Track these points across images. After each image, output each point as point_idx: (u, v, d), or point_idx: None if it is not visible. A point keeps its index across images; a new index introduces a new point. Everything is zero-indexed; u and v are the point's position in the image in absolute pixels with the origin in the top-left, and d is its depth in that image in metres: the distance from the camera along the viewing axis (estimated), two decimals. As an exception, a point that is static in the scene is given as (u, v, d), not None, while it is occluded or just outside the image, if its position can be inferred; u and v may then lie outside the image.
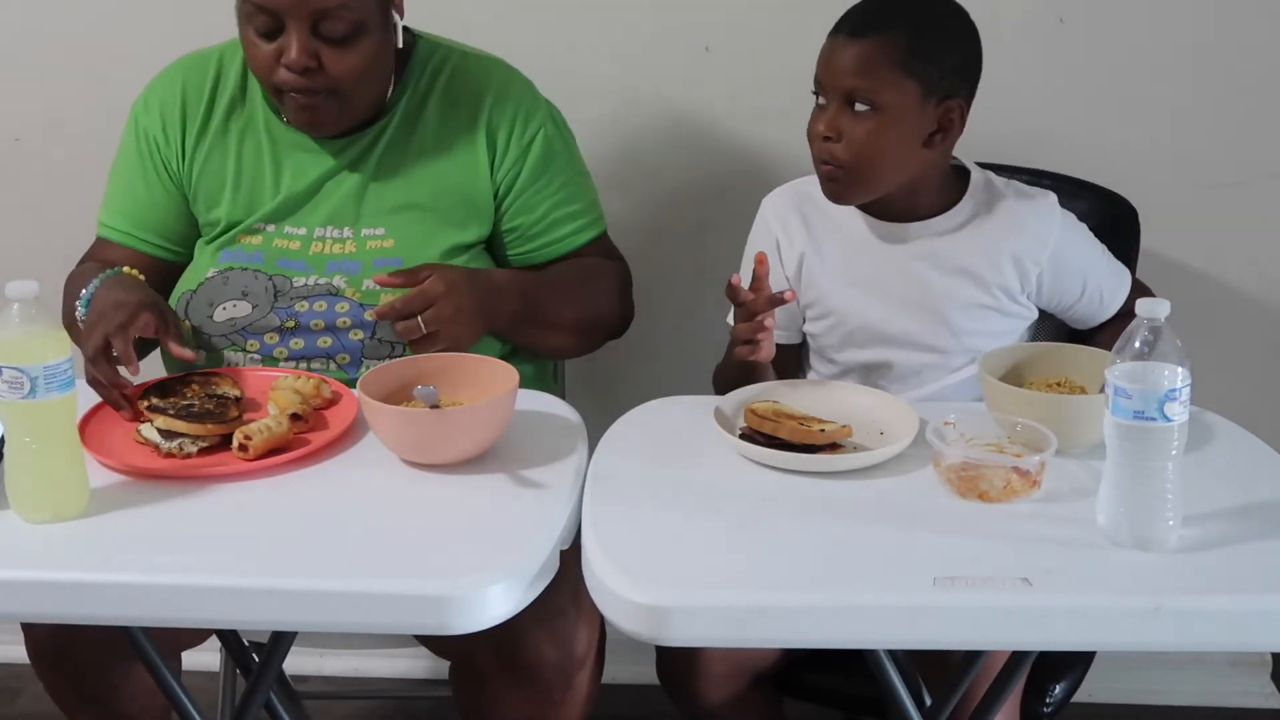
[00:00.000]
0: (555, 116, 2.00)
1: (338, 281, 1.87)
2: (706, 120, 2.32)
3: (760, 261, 1.70)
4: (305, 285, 1.87)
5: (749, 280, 1.72)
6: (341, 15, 1.78)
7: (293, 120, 1.88)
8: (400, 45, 1.89)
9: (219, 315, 1.86)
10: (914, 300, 1.86)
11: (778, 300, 1.70)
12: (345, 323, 1.85)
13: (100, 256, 1.95)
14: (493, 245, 1.98)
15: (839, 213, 1.90)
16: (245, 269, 1.89)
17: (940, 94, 1.77)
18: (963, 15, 1.82)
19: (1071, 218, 1.89)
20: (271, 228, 1.91)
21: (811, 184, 1.89)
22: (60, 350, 1.42)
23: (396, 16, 1.87)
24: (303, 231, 1.90)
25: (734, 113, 2.31)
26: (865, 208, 1.88)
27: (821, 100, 1.81)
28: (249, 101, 1.94)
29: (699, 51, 2.29)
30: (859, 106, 1.76)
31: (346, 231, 1.90)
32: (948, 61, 1.77)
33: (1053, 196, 1.88)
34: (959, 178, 1.89)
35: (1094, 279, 1.89)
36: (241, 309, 1.86)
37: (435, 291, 1.76)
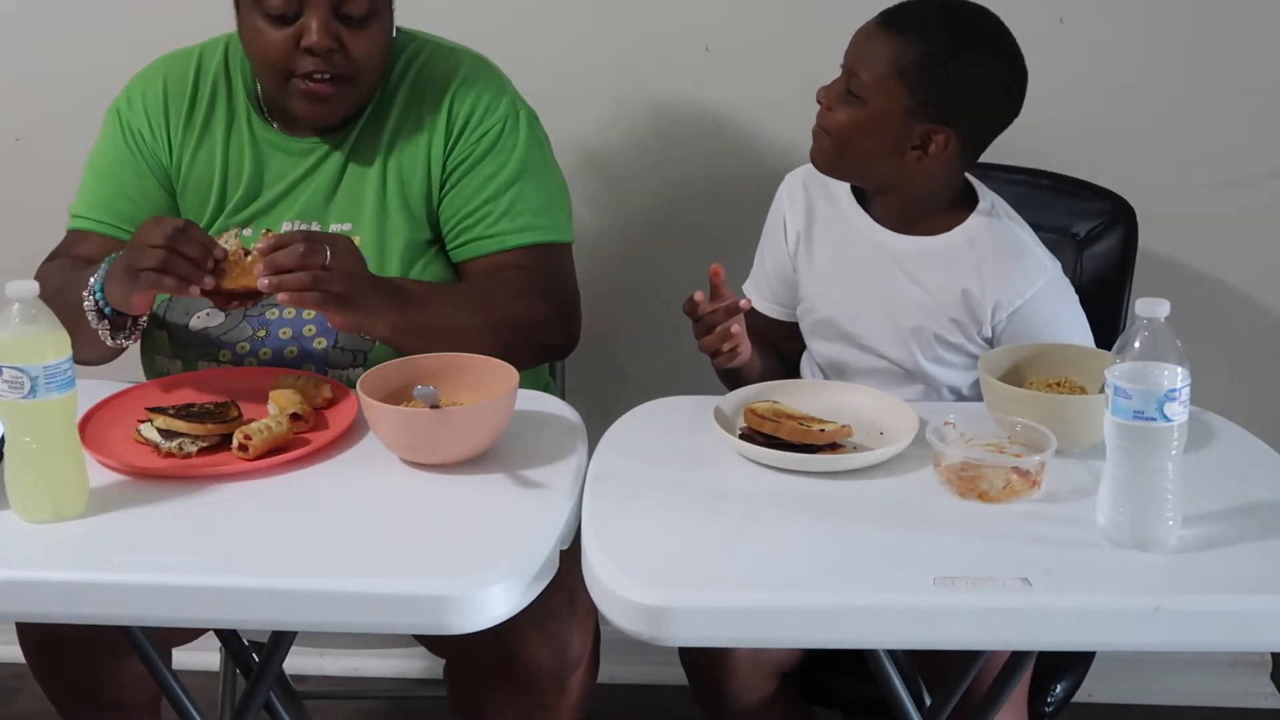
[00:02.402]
0: (524, 116, 1.92)
1: None
2: (706, 120, 2.32)
3: (715, 274, 1.72)
4: None
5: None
6: None
7: (301, 110, 1.84)
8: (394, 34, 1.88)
9: (194, 324, 1.85)
10: (882, 308, 1.86)
11: (734, 310, 1.72)
12: (310, 330, 1.83)
13: (75, 250, 1.89)
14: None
15: (846, 205, 1.90)
16: None
17: (929, 118, 1.75)
18: (1003, 59, 1.78)
19: (1062, 289, 1.86)
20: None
21: None
22: (60, 350, 1.42)
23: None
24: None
25: (734, 113, 2.31)
26: (870, 209, 1.88)
27: (842, 64, 1.81)
28: (232, 98, 1.92)
29: (699, 51, 2.29)
30: (852, 92, 1.77)
31: (315, 226, 1.88)
32: (951, 92, 1.75)
33: (1054, 266, 1.85)
34: (967, 205, 1.87)
35: None
36: (215, 317, 1.85)
37: (331, 237, 1.67)
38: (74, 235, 1.93)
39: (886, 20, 1.78)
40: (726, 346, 1.75)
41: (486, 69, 1.94)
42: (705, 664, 1.86)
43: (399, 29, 1.94)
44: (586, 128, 2.31)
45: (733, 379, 1.85)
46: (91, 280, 1.71)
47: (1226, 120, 2.27)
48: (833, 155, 1.82)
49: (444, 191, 1.89)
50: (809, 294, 1.94)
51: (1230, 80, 2.25)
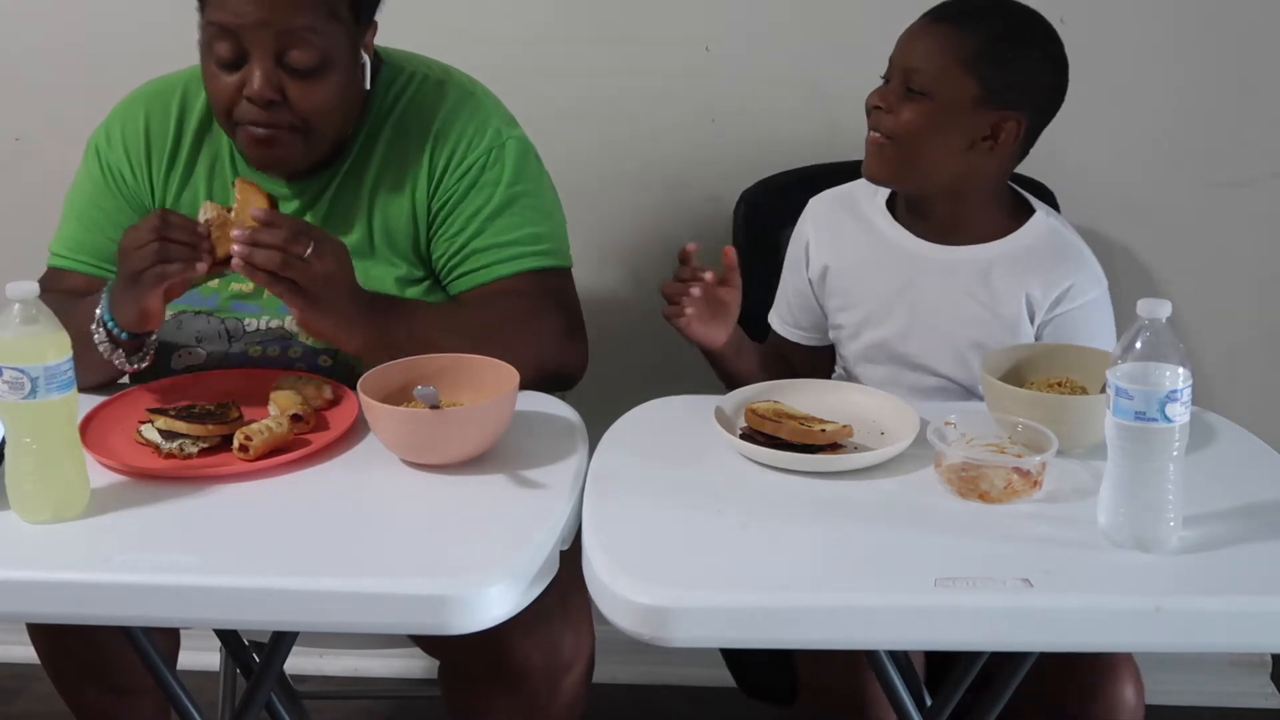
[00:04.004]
0: (512, 145, 1.85)
1: (290, 324, 1.81)
2: (706, 121, 2.32)
3: (726, 254, 1.76)
4: (258, 329, 1.82)
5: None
6: (309, 41, 1.70)
7: (249, 156, 1.79)
8: (368, 86, 1.81)
9: (175, 363, 1.83)
10: (935, 325, 1.85)
11: (699, 274, 1.75)
12: (299, 368, 1.80)
13: (58, 286, 1.83)
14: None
15: (881, 222, 1.88)
16: (199, 312, 1.83)
17: (999, 104, 1.75)
18: (1054, 44, 1.79)
19: (1108, 306, 1.87)
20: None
21: (860, 189, 1.88)
22: (61, 351, 1.42)
23: (365, 56, 1.79)
24: None
25: (734, 113, 2.31)
26: (910, 224, 1.86)
27: (885, 76, 1.80)
28: (215, 136, 1.86)
29: (699, 52, 2.29)
30: (914, 90, 1.75)
31: None
32: (1017, 76, 1.75)
33: (1106, 282, 1.86)
34: (1018, 211, 1.87)
35: None
36: (197, 356, 1.83)
37: (323, 235, 1.63)
38: (55, 273, 1.87)
39: (938, 15, 1.78)
40: (675, 297, 1.77)
41: (471, 100, 1.87)
42: (855, 696, 1.76)
43: (387, 60, 1.88)
44: (585, 129, 2.31)
45: (726, 376, 1.86)
46: (97, 311, 1.67)
47: (1227, 120, 2.27)
48: (898, 162, 1.78)
49: (432, 232, 1.84)
50: (850, 320, 1.91)
51: (1230, 80, 2.25)
